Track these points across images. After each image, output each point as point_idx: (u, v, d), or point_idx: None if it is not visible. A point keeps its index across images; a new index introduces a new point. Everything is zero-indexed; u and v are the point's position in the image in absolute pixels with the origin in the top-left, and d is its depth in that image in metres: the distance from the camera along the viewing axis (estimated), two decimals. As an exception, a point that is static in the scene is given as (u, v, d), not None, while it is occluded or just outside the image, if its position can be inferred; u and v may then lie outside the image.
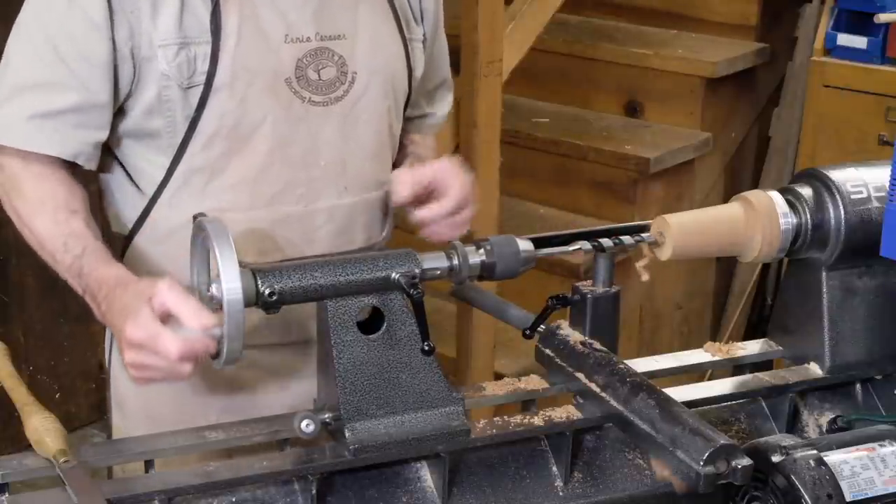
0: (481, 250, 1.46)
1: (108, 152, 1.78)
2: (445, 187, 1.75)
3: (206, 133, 1.70)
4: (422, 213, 1.76)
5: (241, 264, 1.34)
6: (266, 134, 1.72)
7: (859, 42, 3.66)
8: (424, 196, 1.77)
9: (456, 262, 1.44)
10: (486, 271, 1.46)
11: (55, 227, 1.66)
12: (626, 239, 1.51)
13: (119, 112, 1.72)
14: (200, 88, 1.67)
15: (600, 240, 1.51)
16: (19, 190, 1.70)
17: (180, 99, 1.68)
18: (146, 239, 1.77)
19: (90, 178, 1.78)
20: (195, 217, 1.65)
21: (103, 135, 1.71)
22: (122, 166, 1.77)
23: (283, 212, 1.76)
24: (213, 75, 1.67)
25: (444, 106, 2.05)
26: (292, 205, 1.76)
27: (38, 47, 1.68)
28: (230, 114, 1.69)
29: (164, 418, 1.81)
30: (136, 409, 1.87)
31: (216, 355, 1.41)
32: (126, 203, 1.79)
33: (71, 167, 1.72)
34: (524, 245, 1.47)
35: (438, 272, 1.44)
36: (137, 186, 1.77)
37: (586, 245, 1.50)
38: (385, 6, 1.83)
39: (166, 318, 1.45)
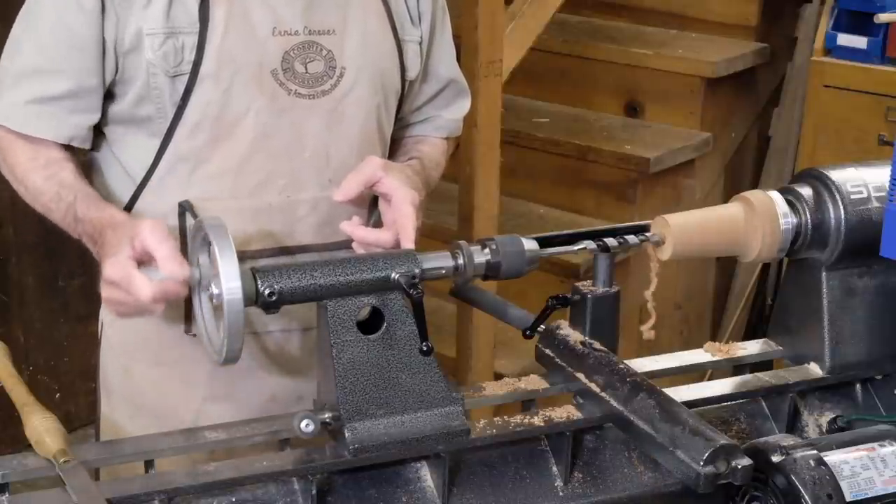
0: (486, 249, 1.46)
1: (102, 138, 1.81)
2: (392, 221, 1.71)
3: (191, 121, 1.72)
4: (350, 228, 1.72)
5: (240, 257, 1.34)
6: (249, 124, 1.74)
7: (859, 42, 3.66)
8: (367, 196, 1.78)
9: (461, 261, 1.44)
10: (491, 271, 1.46)
11: (47, 181, 1.75)
12: (631, 238, 1.51)
13: (112, 97, 1.77)
14: (186, 77, 1.70)
15: (604, 239, 1.51)
16: (13, 150, 1.77)
17: (168, 87, 1.71)
18: None
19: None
20: (180, 205, 1.68)
21: (96, 117, 1.77)
22: (114, 153, 1.81)
23: (266, 201, 1.77)
24: (199, 65, 1.70)
25: (454, 110, 2.04)
26: (274, 195, 1.78)
27: (37, 35, 1.74)
28: (214, 103, 1.72)
29: (149, 405, 1.85)
30: (121, 396, 1.90)
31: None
32: (116, 186, 1.82)
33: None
34: (529, 244, 1.47)
35: (444, 271, 1.44)
36: (127, 172, 1.80)
37: (591, 244, 1.50)
38: (378, 5, 1.84)
39: (147, 258, 1.52)
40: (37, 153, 1.75)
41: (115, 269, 1.53)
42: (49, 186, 1.74)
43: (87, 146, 1.79)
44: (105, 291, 1.56)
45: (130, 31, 1.69)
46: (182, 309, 1.77)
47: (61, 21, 1.71)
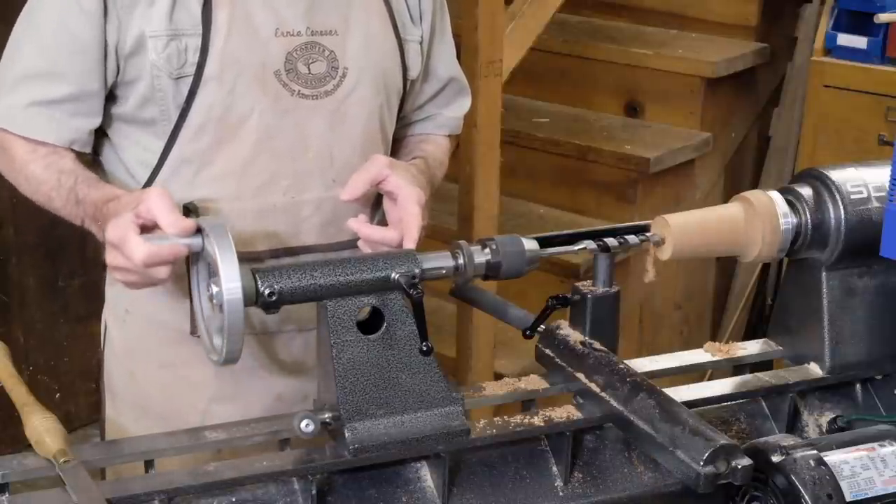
0: (486, 249, 1.46)
1: (106, 141, 1.80)
2: (398, 220, 1.72)
3: (195, 123, 1.72)
4: (356, 225, 1.73)
5: (244, 258, 1.34)
6: (253, 125, 1.74)
7: (859, 42, 3.67)
8: (372, 195, 1.78)
9: (461, 261, 1.44)
10: (491, 271, 1.46)
11: (47, 170, 1.74)
12: (632, 238, 1.51)
13: (115, 100, 1.77)
14: (190, 79, 1.70)
15: (605, 239, 1.51)
16: (12, 146, 1.76)
17: (171, 89, 1.71)
18: None
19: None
20: (185, 206, 1.67)
21: (97, 121, 1.76)
22: (118, 155, 1.80)
23: (270, 202, 1.78)
24: (203, 66, 1.70)
25: (455, 108, 2.05)
26: (279, 196, 1.78)
27: (36, 38, 1.74)
28: (218, 104, 1.72)
29: (155, 408, 1.85)
30: (126, 397, 1.89)
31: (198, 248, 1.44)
32: (121, 188, 1.80)
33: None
34: (529, 244, 1.47)
35: (444, 271, 1.44)
36: (131, 174, 1.80)
37: (591, 244, 1.50)
38: (380, 5, 1.84)
39: (152, 225, 1.51)
40: (35, 147, 1.75)
41: (115, 230, 1.53)
42: (49, 175, 1.73)
43: (88, 150, 1.79)
44: (108, 257, 1.56)
45: (133, 33, 1.69)
46: (186, 310, 1.77)
47: (63, 24, 1.70)
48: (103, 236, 1.62)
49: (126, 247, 1.50)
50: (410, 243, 1.67)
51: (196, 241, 1.44)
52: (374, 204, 1.84)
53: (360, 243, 1.74)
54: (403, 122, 1.99)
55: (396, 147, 1.98)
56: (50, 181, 1.73)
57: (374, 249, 1.71)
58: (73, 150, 1.77)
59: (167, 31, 1.69)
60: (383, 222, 1.79)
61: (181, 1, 1.69)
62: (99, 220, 1.66)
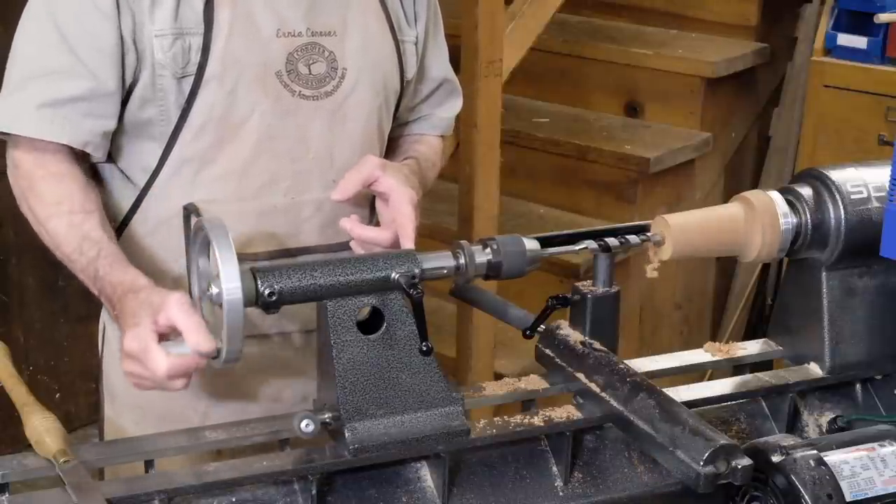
0: (487, 249, 1.46)
1: None
2: (391, 220, 1.71)
3: (196, 123, 1.71)
4: (349, 225, 1.73)
5: (244, 258, 1.34)
6: (254, 125, 1.74)
7: (859, 42, 3.67)
8: (369, 195, 1.78)
9: (462, 261, 1.44)
10: (492, 271, 1.46)
11: (70, 230, 1.68)
12: (633, 238, 1.51)
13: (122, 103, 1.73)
14: (192, 79, 1.69)
15: (606, 239, 1.51)
16: (35, 190, 1.71)
17: (173, 88, 1.70)
18: (137, 229, 1.79)
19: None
20: (185, 207, 1.66)
21: (112, 124, 1.72)
22: (114, 159, 1.78)
23: (270, 203, 1.77)
24: (204, 66, 1.69)
25: (446, 109, 2.05)
26: (279, 196, 1.78)
27: (48, 36, 1.69)
28: (219, 104, 1.71)
29: (153, 408, 1.84)
30: (125, 399, 1.89)
31: (216, 356, 1.42)
32: (118, 194, 1.80)
33: (81, 159, 1.73)
34: (531, 244, 1.47)
35: (445, 271, 1.44)
36: (129, 178, 1.78)
37: (592, 244, 1.50)
38: (377, 7, 1.85)
39: (170, 332, 1.47)
40: (61, 198, 1.69)
41: (135, 341, 1.48)
42: (72, 237, 1.68)
43: (100, 154, 1.74)
44: (124, 364, 1.51)
45: (147, 28, 1.67)
46: None
47: (74, 21, 1.67)
48: (115, 318, 1.59)
49: (148, 359, 1.46)
50: (409, 243, 1.66)
51: (215, 351, 1.40)
52: (371, 205, 1.84)
53: (352, 243, 1.74)
54: (398, 122, 1.99)
55: (391, 147, 1.98)
56: (71, 243, 1.68)
57: (367, 250, 1.71)
58: (96, 198, 1.71)
59: (172, 30, 1.68)
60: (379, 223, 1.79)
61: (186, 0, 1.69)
62: (115, 309, 1.60)
